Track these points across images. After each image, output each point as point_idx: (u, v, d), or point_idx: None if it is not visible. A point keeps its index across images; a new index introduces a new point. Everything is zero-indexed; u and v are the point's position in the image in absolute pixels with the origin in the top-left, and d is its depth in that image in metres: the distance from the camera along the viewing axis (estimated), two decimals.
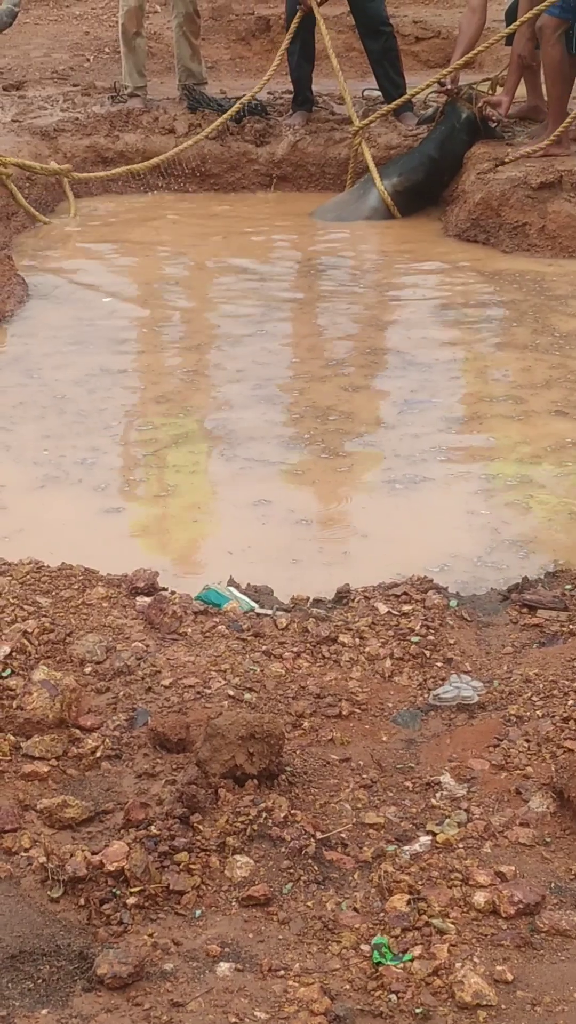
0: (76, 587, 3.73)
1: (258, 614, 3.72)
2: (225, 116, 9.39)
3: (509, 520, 4.67)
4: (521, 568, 4.26)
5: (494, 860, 2.67)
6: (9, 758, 2.97)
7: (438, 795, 2.90)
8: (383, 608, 3.68)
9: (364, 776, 2.98)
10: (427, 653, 3.49)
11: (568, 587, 3.89)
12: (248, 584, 3.99)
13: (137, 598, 3.73)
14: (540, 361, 6.16)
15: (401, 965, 2.35)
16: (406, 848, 2.70)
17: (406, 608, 3.69)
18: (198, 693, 3.22)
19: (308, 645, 3.50)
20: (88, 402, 5.73)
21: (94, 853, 2.59)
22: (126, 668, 3.34)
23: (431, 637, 3.55)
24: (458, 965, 2.35)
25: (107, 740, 3.06)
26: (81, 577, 3.79)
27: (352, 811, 2.85)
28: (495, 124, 8.83)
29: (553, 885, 2.61)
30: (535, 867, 2.66)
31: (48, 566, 3.84)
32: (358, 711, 3.24)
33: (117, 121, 9.83)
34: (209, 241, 8.60)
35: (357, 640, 3.52)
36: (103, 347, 6.45)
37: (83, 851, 2.59)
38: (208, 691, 3.23)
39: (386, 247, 8.46)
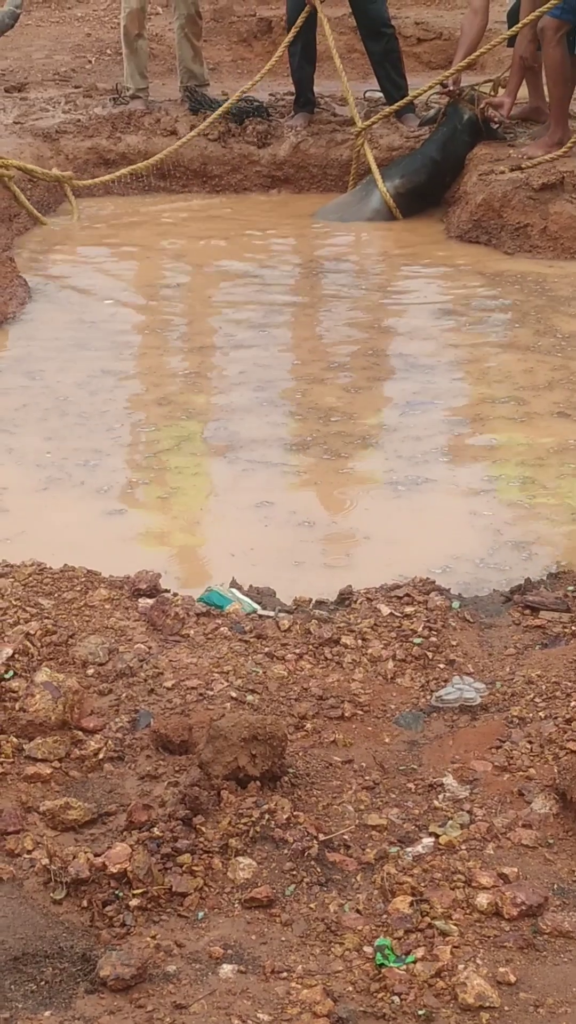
0: (78, 589, 3.73)
1: (260, 616, 3.72)
2: (215, 114, 9.40)
3: (511, 521, 4.67)
4: (523, 569, 4.26)
5: (497, 862, 2.67)
6: (12, 760, 2.97)
7: (441, 797, 2.90)
8: (385, 610, 3.68)
9: (367, 778, 2.98)
10: (429, 655, 3.49)
11: (571, 588, 3.89)
12: (250, 586, 3.99)
13: (139, 600, 3.73)
14: (542, 363, 6.16)
15: (404, 967, 2.35)
16: (409, 850, 2.70)
17: (408, 610, 3.69)
18: (200, 695, 3.22)
19: (310, 647, 3.50)
20: (90, 404, 5.73)
21: (97, 855, 2.59)
22: (128, 670, 3.34)
23: (433, 639, 3.55)
24: (461, 967, 2.35)
25: (110, 742, 3.06)
26: (83, 579, 3.79)
27: (355, 813, 2.84)
28: (497, 125, 8.83)
29: (556, 887, 2.61)
30: (538, 869, 2.66)
31: (50, 568, 3.84)
32: (360, 713, 3.24)
33: (119, 123, 9.83)
34: (211, 243, 8.60)
35: (359, 642, 3.52)
36: (105, 349, 6.45)
37: (86, 853, 2.59)
38: (210, 693, 3.23)
39: (388, 248, 8.46)
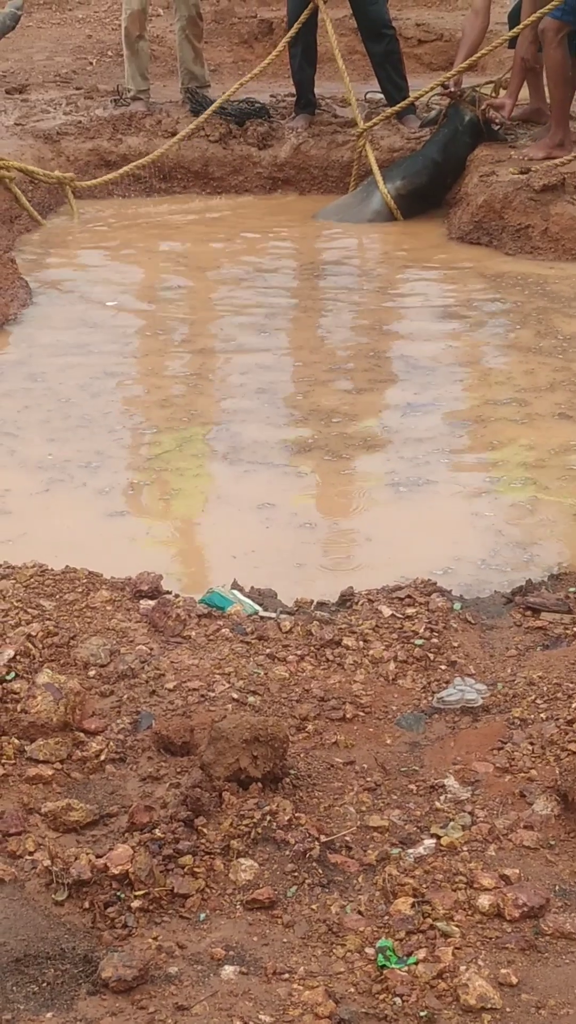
0: (80, 590, 3.73)
1: (262, 617, 3.72)
2: (207, 112, 9.42)
3: (513, 523, 4.67)
4: (525, 571, 4.26)
5: (498, 863, 2.67)
6: (13, 761, 2.97)
7: (442, 798, 2.90)
8: (387, 611, 3.69)
9: (368, 779, 2.98)
10: (431, 656, 3.49)
11: (572, 590, 3.89)
12: (252, 587, 3.99)
13: (141, 601, 3.73)
14: (543, 364, 6.15)
15: (405, 968, 2.35)
16: (410, 851, 2.70)
17: (410, 611, 3.69)
18: (202, 696, 3.23)
19: (312, 648, 3.50)
20: (92, 406, 5.73)
21: (98, 856, 2.59)
22: (130, 671, 3.34)
23: (435, 640, 3.55)
24: (463, 968, 2.35)
25: (111, 743, 3.06)
26: (85, 580, 3.79)
27: (356, 814, 2.85)
28: (498, 127, 8.84)
29: (557, 888, 2.61)
30: (539, 870, 2.66)
31: (52, 569, 3.84)
32: (362, 714, 3.24)
33: (120, 124, 9.83)
34: (212, 244, 8.61)
35: (361, 643, 3.53)
36: (107, 351, 6.46)
37: (87, 854, 2.59)
38: (212, 694, 3.23)
39: (389, 250, 8.46)
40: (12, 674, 3.21)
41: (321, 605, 3.88)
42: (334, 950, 2.43)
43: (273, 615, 3.75)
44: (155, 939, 2.44)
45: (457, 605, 3.78)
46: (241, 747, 2.81)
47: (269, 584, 4.03)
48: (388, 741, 3.15)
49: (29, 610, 3.54)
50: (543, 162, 8.22)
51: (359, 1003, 2.30)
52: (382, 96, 9.73)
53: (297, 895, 2.57)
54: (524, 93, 9.09)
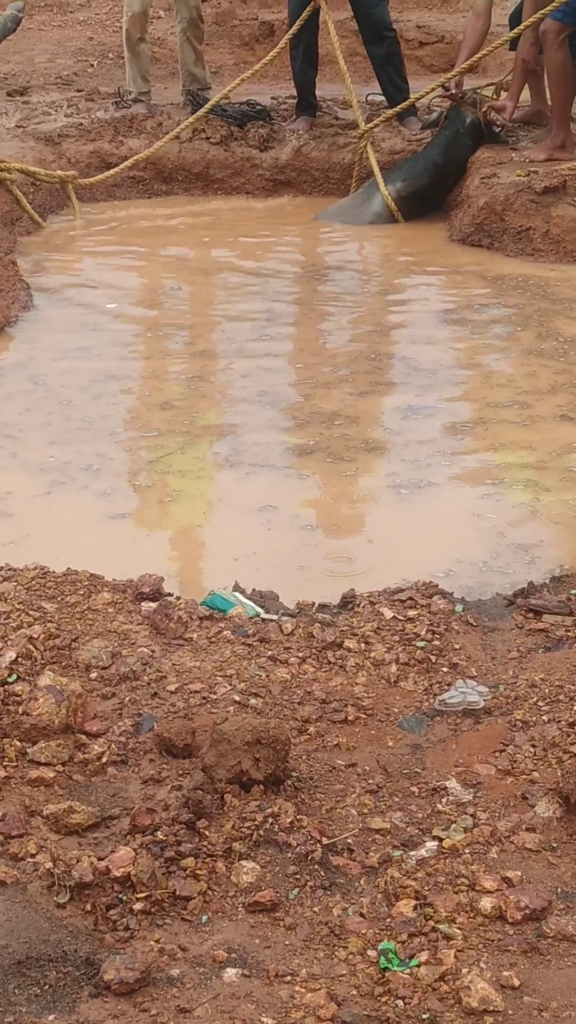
0: (82, 592, 3.73)
1: (263, 619, 3.72)
2: (207, 107, 9.43)
3: (514, 525, 4.67)
4: (527, 573, 4.26)
5: (500, 865, 2.66)
6: (15, 764, 2.97)
7: (444, 800, 2.90)
8: (388, 613, 3.68)
9: (370, 781, 2.98)
10: (433, 658, 3.49)
11: (574, 592, 3.89)
12: (253, 589, 3.99)
13: (142, 603, 3.73)
14: (545, 367, 6.16)
15: (408, 971, 2.35)
16: (412, 853, 2.70)
17: (411, 613, 3.69)
18: (204, 698, 3.23)
19: (314, 650, 3.50)
20: (93, 408, 5.73)
21: (100, 859, 2.59)
22: (132, 673, 3.34)
23: (436, 642, 3.55)
24: (465, 971, 2.34)
25: (113, 746, 3.06)
26: (86, 582, 3.79)
27: (358, 816, 2.84)
28: (499, 128, 8.84)
29: (559, 890, 2.61)
30: (541, 872, 2.66)
31: (54, 572, 3.84)
32: (364, 716, 3.24)
33: (121, 126, 9.84)
34: (213, 246, 8.61)
35: (363, 645, 3.52)
36: (108, 353, 6.46)
37: (89, 857, 2.59)
38: (214, 696, 3.23)
39: (390, 252, 8.46)
40: (14, 676, 3.21)
41: (323, 607, 3.88)
42: (336, 952, 2.43)
43: (275, 617, 3.75)
44: (157, 941, 2.44)
45: (459, 607, 3.78)
46: (243, 749, 2.81)
47: (271, 586, 4.03)
48: (390, 743, 3.15)
49: (31, 612, 3.54)
50: (544, 164, 8.23)
51: (361, 1005, 2.30)
52: (383, 98, 9.73)
53: (299, 897, 2.57)
54: (525, 95, 9.10)
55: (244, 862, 2.64)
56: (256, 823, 2.71)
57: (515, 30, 8.64)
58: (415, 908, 2.50)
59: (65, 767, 3.00)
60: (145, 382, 6.18)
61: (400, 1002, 2.29)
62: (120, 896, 2.53)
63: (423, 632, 3.58)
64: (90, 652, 3.41)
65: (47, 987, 2.35)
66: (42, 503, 4.87)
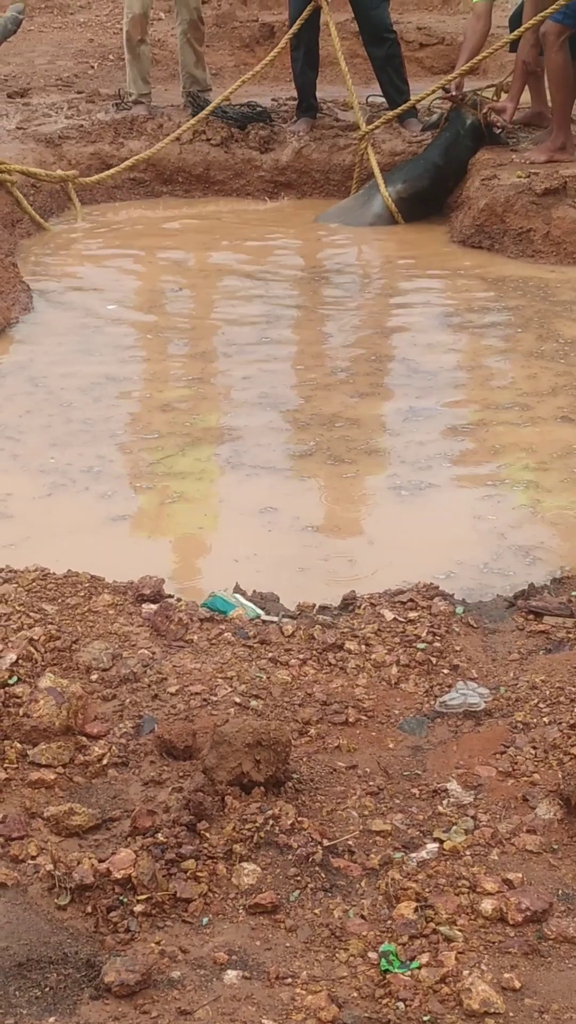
0: (82, 594, 3.73)
1: (264, 621, 3.72)
2: (208, 108, 9.44)
3: (515, 526, 4.67)
4: (527, 574, 4.26)
5: (501, 867, 2.66)
6: (16, 765, 2.97)
7: (445, 802, 2.90)
8: (389, 615, 3.68)
9: (371, 783, 2.98)
10: (433, 660, 3.49)
11: (575, 593, 3.89)
12: (254, 591, 3.99)
13: (143, 605, 3.73)
14: (546, 368, 6.16)
15: (408, 973, 2.35)
16: (413, 855, 2.70)
17: (412, 615, 3.69)
18: (204, 700, 3.22)
19: (314, 652, 3.50)
20: (94, 410, 5.73)
21: (101, 861, 2.59)
22: (132, 675, 3.34)
23: (437, 644, 3.55)
24: (466, 973, 2.34)
25: (114, 747, 3.06)
26: (87, 584, 3.79)
27: (359, 818, 2.84)
28: (499, 130, 8.84)
29: (560, 892, 2.60)
30: (542, 874, 2.66)
31: (54, 573, 3.84)
32: (364, 718, 3.24)
33: (121, 128, 9.85)
34: (213, 248, 8.62)
35: (363, 647, 3.52)
36: (108, 355, 6.46)
37: (90, 859, 2.59)
38: (214, 698, 3.23)
39: (390, 253, 8.47)
40: (14, 678, 3.21)
41: (323, 609, 3.88)
42: (337, 954, 2.43)
43: (275, 619, 3.75)
44: (158, 943, 2.44)
45: (459, 609, 3.78)
46: (243, 751, 2.81)
47: (271, 588, 4.03)
48: (390, 745, 3.15)
49: (31, 614, 3.54)
50: (545, 165, 8.23)
51: (362, 1008, 2.29)
52: (383, 100, 9.74)
53: (300, 899, 2.57)
54: (525, 97, 9.10)
55: (245, 864, 2.64)
56: (257, 825, 2.71)
57: (515, 32, 8.65)
58: (416, 910, 2.50)
59: (66, 769, 3.00)
60: (145, 384, 6.18)
61: (401, 1004, 2.29)
62: (121, 898, 2.53)
63: (424, 634, 3.58)
64: (91, 654, 3.41)
65: (48, 989, 2.34)
66: (43, 505, 4.87)
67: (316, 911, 2.54)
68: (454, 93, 8.88)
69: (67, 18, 13.80)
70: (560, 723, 3.12)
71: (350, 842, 2.75)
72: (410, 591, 3.83)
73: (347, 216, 8.99)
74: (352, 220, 8.93)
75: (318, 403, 5.83)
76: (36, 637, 3.40)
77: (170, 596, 3.84)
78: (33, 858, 2.66)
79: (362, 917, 2.52)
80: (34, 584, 3.76)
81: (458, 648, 3.56)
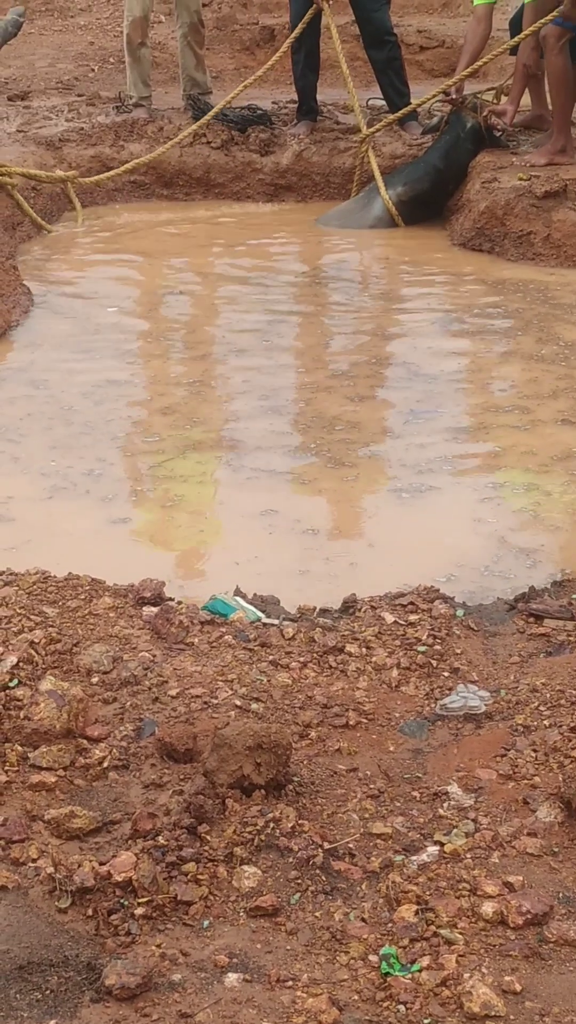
0: (83, 597, 3.73)
1: (265, 624, 3.72)
2: (211, 114, 9.46)
3: (516, 529, 4.67)
4: (528, 577, 4.26)
5: (502, 870, 2.66)
6: (16, 768, 2.97)
7: (445, 805, 2.90)
8: (390, 618, 3.68)
9: (371, 786, 2.98)
10: (434, 663, 3.49)
11: (575, 596, 3.89)
12: (255, 594, 3.99)
13: (144, 608, 3.73)
14: (546, 372, 6.16)
15: (409, 976, 2.35)
16: (414, 858, 2.70)
17: (413, 618, 3.69)
18: (205, 703, 3.22)
19: (315, 655, 3.50)
20: (95, 413, 5.73)
21: (102, 863, 2.59)
22: (133, 678, 3.34)
23: (438, 647, 3.55)
24: (466, 975, 2.34)
25: (114, 750, 3.06)
26: (88, 587, 3.79)
27: (359, 821, 2.84)
28: (500, 133, 8.85)
29: (561, 895, 2.60)
30: (543, 877, 2.66)
31: (55, 576, 3.84)
32: (365, 721, 3.24)
33: (122, 131, 9.85)
34: (214, 251, 8.62)
35: (364, 650, 3.52)
36: (109, 358, 6.46)
37: (91, 861, 2.59)
38: (215, 701, 3.23)
39: (391, 256, 8.47)
40: (15, 681, 3.21)
41: (324, 612, 3.88)
42: (337, 957, 2.43)
43: (276, 622, 3.75)
44: (158, 946, 2.44)
45: (460, 612, 3.78)
46: (244, 754, 2.81)
47: (272, 591, 4.03)
48: (391, 748, 3.15)
49: (32, 617, 3.55)
50: (545, 168, 8.24)
51: (363, 1011, 2.29)
52: (384, 103, 9.75)
53: (300, 902, 2.57)
54: (526, 99, 9.10)
55: (245, 867, 2.64)
56: (257, 828, 2.71)
57: (517, 37, 8.65)
58: (416, 913, 2.50)
59: (66, 772, 3.00)
60: (146, 387, 6.18)
61: (402, 1007, 2.29)
62: (121, 901, 2.53)
63: (424, 637, 3.58)
64: (91, 657, 3.41)
65: (48, 992, 2.34)
66: (43, 508, 4.87)
67: (317, 914, 2.54)
68: (454, 96, 8.88)
69: (67, 21, 13.80)
70: (561, 726, 3.12)
71: (351, 845, 2.75)
72: (411, 594, 3.83)
73: (347, 219, 9.00)
74: (352, 223, 8.94)
75: (319, 406, 5.83)
76: (37, 640, 3.40)
77: (171, 599, 3.84)
78: (34, 861, 2.66)
79: (363, 920, 2.52)
80: (35, 587, 3.76)
81: (459, 651, 3.56)
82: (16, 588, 3.74)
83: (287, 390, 6.10)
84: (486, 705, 3.29)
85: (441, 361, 6.41)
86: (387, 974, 2.36)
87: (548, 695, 3.27)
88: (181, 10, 9.98)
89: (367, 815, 2.86)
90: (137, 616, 3.68)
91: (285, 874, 2.63)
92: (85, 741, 3.10)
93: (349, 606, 3.85)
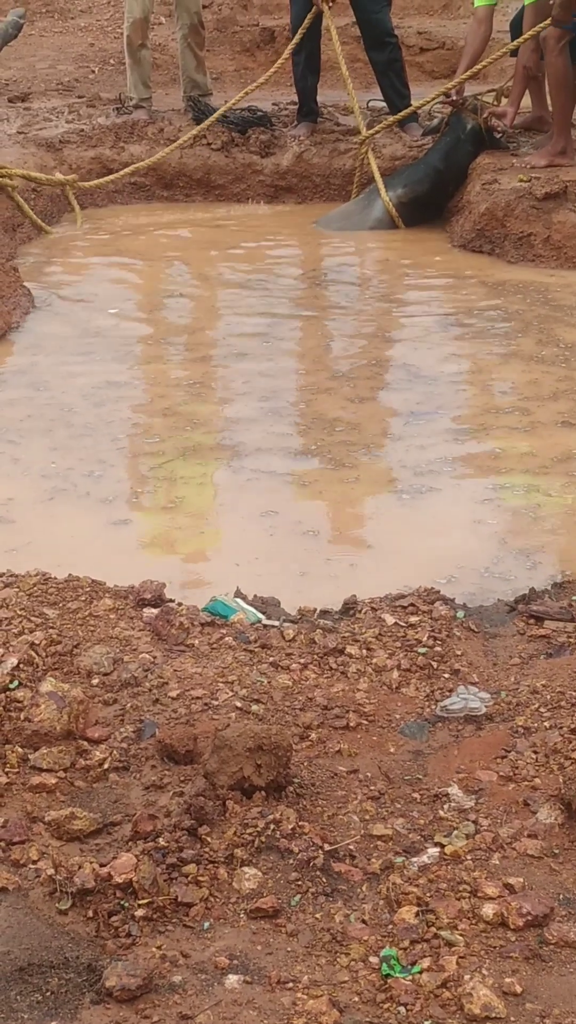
0: (83, 599, 3.73)
1: (265, 625, 3.72)
2: (209, 120, 9.46)
3: (516, 531, 4.67)
4: (528, 579, 4.26)
5: (502, 872, 2.66)
6: (17, 770, 2.97)
7: (446, 807, 2.90)
8: (390, 619, 3.68)
9: (372, 788, 2.98)
10: (434, 664, 3.49)
11: (575, 598, 3.89)
12: (255, 595, 3.99)
13: (144, 610, 3.73)
14: (547, 373, 6.16)
15: (410, 977, 2.35)
16: (414, 860, 2.70)
17: (413, 619, 3.69)
18: (205, 705, 3.22)
19: (315, 656, 3.50)
20: (95, 415, 5.73)
21: (102, 865, 2.59)
22: (133, 680, 3.34)
23: (438, 648, 3.55)
24: (467, 977, 2.34)
25: (115, 752, 3.06)
26: (88, 589, 3.79)
27: (360, 823, 2.84)
28: (500, 135, 8.85)
29: (562, 897, 2.60)
30: (543, 879, 2.66)
31: (55, 578, 3.84)
32: (365, 722, 3.24)
33: (122, 132, 9.86)
34: (214, 252, 8.62)
35: (364, 651, 3.52)
36: (109, 359, 6.46)
37: (91, 863, 2.59)
38: (215, 703, 3.23)
39: (391, 258, 8.47)
40: (16, 682, 3.21)
41: (324, 613, 3.88)
42: (338, 959, 2.43)
43: (276, 623, 3.75)
44: (159, 948, 2.44)
45: (460, 613, 3.78)
46: (245, 756, 2.81)
47: (272, 592, 4.03)
48: (392, 750, 3.15)
49: (32, 618, 3.55)
50: (545, 170, 8.24)
51: (363, 1012, 2.29)
52: (384, 104, 9.75)
53: (301, 904, 2.57)
54: (526, 101, 9.11)
55: (246, 868, 2.64)
56: (258, 829, 2.71)
57: (517, 40, 8.66)
58: (417, 915, 2.50)
59: (67, 773, 3.00)
60: (146, 388, 6.18)
61: (402, 1009, 2.29)
62: (122, 902, 2.53)
63: (425, 638, 3.58)
64: (92, 658, 3.41)
65: (49, 994, 2.34)
66: (44, 509, 4.87)
67: (317, 915, 2.54)
68: (455, 98, 8.89)
69: (68, 22, 13.81)
70: (561, 727, 3.12)
71: (351, 846, 2.75)
72: (411, 595, 3.83)
73: (348, 220, 9.00)
74: (352, 224, 8.94)
75: (319, 407, 5.83)
76: (37, 641, 3.40)
77: (171, 600, 3.83)
78: (34, 862, 2.66)
79: (363, 922, 2.52)
80: (35, 588, 3.76)
81: (459, 652, 3.56)
82: (17, 590, 3.74)
83: (287, 392, 6.10)
84: (486, 707, 3.29)
85: (441, 363, 6.41)
86: (387, 976, 2.36)
87: (548, 697, 3.27)
88: (181, 12, 9.99)
89: (367, 817, 2.86)
90: (137, 618, 3.68)
91: (285, 876, 2.63)
92: (85, 743, 3.10)
93: (349, 607, 3.85)
